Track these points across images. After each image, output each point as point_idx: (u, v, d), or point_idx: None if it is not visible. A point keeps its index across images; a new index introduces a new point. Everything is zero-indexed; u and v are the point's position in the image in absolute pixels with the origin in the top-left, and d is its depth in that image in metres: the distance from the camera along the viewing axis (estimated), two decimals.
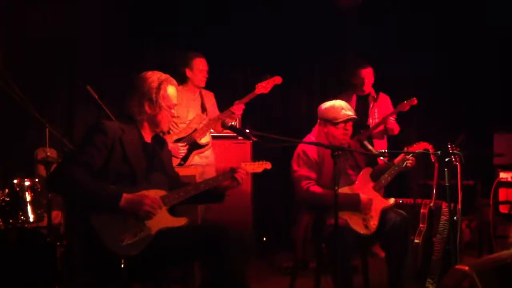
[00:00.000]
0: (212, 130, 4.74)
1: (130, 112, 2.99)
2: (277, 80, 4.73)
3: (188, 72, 4.71)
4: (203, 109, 4.79)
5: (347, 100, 5.23)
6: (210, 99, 4.90)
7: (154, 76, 2.99)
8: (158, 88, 2.95)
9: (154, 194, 2.87)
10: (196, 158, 4.64)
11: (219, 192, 3.15)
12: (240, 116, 4.82)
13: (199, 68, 4.72)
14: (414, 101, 5.05)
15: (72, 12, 5.44)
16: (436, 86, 6.42)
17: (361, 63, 5.40)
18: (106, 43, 5.57)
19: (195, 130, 4.61)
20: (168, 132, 4.52)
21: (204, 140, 4.64)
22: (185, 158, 4.56)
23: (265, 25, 6.02)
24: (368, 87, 5.37)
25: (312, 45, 6.24)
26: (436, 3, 6.18)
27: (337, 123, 3.76)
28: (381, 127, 5.26)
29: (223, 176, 3.10)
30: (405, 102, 5.08)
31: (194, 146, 4.61)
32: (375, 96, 5.40)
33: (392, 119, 5.24)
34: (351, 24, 6.36)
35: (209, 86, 4.93)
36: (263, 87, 4.68)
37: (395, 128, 5.28)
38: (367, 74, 5.34)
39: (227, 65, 6.05)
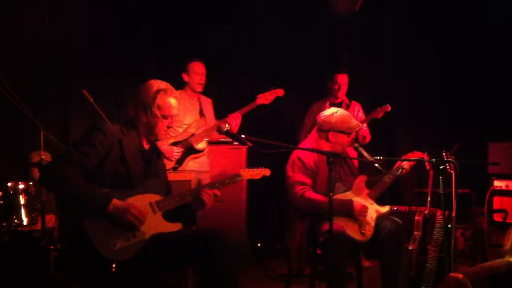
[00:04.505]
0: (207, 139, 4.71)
1: (128, 118, 3.01)
2: (279, 92, 4.73)
3: (185, 77, 4.71)
4: (202, 114, 4.78)
5: (322, 107, 5.27)
6: (208, 106, 4.88)
7: (153, 86, 2.99)
8: (154, 97, 2.95)
9: (150, 198, 2.87)
10: (190, 164, 4.62)
11: (188, 213, 3.12)
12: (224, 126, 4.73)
13: (194, 71, 4.70)
14: (388, 107, 5.03)
15: (68, 14, 5.44)
16: (432, 95, 6.44)
17: (339, 68, 5.42)
18: (102, 46, 5.57)
19: (193, 135, 4.60)
20: None
21: (200, 145, 4.63)
22: (180, 162, 4.55)
23: (264, 32, 6.04)
24: (342, 94, 5.39)
25: (309, 50, 6.26)
26: (436, 12, 6.22)
27: (351, 133, 3.81)
28: (353, 135, 5.19)
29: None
30: (379, 108, 5.06)
31: (190, 150, 4.60)
32: (348, 103, 5.41)
33: (364, 126, 5.15)
34: (347, 30, 6.39)
35: (212, 94, 4.91)
36: (265, 98, 4.67)
37: (367, 136, 5.22)
38: (343, 80, 5.36)
39: (228, 72, 6.07)
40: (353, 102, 5.45)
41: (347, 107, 5.35)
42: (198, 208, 3.09)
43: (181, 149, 4.53)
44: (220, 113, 4.85)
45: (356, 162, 4.06)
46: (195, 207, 3.08)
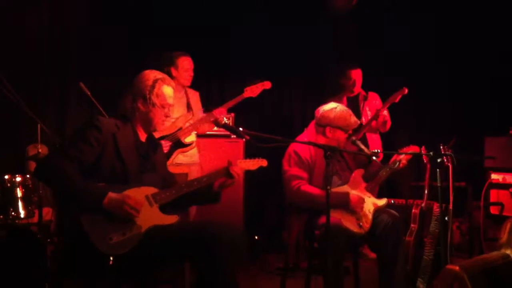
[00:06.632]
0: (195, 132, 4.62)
1: (124, 110, 3.00)
2: (266, 85, 4.63)
3: (173, 72, 4.60)
4: (189, 108, 4.73)
5: (339, 103, 5.27)
6: (195, 99, 4.82)
7: (150, 75, 3.00)
8: (152, 86, 2.96)
9: (146, 191, 2.86)
10: (180, 157, 4.56)
11: (214, 191, 3.10)
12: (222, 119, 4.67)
13: (184, 67, 4.62)
14: (405, 90, 5.06)
15: (68, 14, 5.42)
16: (429, 90, 6.45)
17: (350, 64, 5.45)
18: (102, 46, 5.55)
19: (180, 128, 4.54)
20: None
21: (188, 139, 4.53)
22: (167, 156, 4.50)
23: (262, 26, 6.04)
24: (358, 88, 5.42)
25: (307, 45, 6.25)
26: (436, 8, 6.22)
27: (348, 130, 3.82)
28: (373, 123, 5.28)
29: (217, 173, 3.06)
30: (396, 93, 5.10)
31: (178, 144, 4.54)
32: (365, 95, 5.46)
33: (385, 113, 5.25)
34: (346, 25, 6.38)
35: (215, 94, 4.87)
36: (252, 91, 4.59)
37: (388, 121, 5.29)
38: (357, 75, 5.39)
39: (228, 72, 6.06)
40: (370, 93, 5.49)
41: (364, 99, 5.38)
42: (226, 184, 3.07)
43: (169, 143, 4.48)
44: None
45: (356, 156, 4.06)
46: (222, 182, 3.05)
